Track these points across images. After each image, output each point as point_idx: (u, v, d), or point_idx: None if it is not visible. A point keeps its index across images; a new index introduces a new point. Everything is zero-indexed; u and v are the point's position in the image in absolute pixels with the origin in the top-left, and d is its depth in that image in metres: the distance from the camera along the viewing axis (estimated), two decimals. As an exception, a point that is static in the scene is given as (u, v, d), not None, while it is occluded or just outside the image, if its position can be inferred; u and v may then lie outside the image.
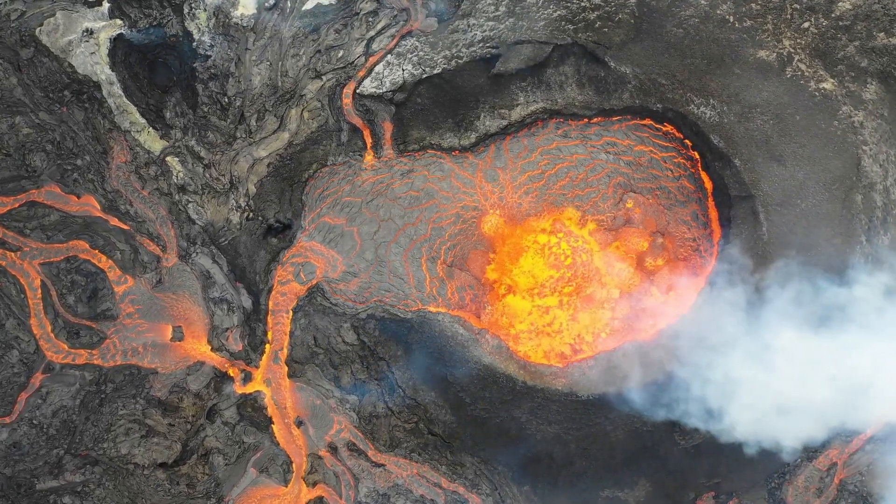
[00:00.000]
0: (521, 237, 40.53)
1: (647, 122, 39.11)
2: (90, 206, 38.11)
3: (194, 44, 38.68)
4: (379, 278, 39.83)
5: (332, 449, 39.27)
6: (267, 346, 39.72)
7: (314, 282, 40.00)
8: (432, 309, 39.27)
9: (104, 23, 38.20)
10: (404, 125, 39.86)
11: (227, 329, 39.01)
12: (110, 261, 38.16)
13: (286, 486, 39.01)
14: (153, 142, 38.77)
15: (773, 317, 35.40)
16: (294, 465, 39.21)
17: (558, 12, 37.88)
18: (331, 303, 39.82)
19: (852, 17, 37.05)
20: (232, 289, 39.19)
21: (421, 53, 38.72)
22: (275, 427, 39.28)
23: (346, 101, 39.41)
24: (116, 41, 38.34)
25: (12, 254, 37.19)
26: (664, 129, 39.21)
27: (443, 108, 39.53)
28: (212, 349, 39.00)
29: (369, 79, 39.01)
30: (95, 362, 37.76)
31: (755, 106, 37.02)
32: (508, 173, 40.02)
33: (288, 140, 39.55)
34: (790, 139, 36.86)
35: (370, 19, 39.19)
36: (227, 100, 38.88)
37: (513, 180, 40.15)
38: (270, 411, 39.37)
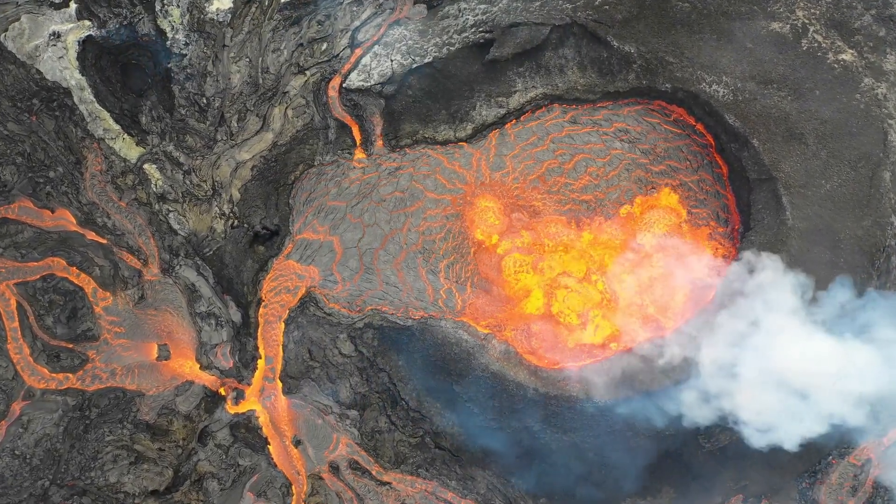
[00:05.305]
0: (524, 242, 39.12)
1: (657, 104, 38.17)
2: (65, 220, 37.21)
3: (168, 43, 37.63)
4: (369, 286, 38.81)
5: (334, 468, 38.26)
6: (259, 361, 38.86)
7: (304, 291, 39.05)
8: (435, 315, 38.14)
9: (72, 25, 37.13)
10: (395, 119, 38.97)
11: (216, 345, 38.12)
12: (89, 278, 37.18)
13: (286, 510, 38.17)
14: (129, 149, 37.88)
15: (800, 309, 33.52)
16: (293, 487, 38.22)
17: (555, -10, 36.91)
18: (325, 312, 38.85)
19: (867, -17, 36.26)
20: (219, 302, 38.25)
21: (410, 42, 37.88)
22: (271, 448, 38.37)
23: (333, 96, 38.61)
24: (86, 44, 37.22)
25: (-15, 275, 36.34)
26: (676, 111, 38.06)
27: (436, 99, 38.58)
28: (201, 367, 38.08)
29: (356, 72, 38.19)
30: (78, 386, 36.81)
31: (771, 81, 35.86)
32: (521, 162, 38.74)
33: (272, 141, 38.73)
34: (810, 115, 35.63)
35: (354, 8, 38.36)
36: (205, 101, 37.89)
37: (524, 170, 38.77)
38: (266, 431, 38.49)
